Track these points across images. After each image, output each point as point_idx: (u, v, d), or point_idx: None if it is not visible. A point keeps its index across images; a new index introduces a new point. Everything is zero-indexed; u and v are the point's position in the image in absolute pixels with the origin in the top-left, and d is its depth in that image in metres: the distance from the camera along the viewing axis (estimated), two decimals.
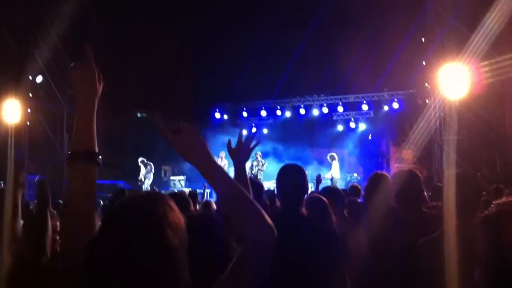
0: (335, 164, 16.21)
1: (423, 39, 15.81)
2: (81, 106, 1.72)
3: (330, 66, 20.01)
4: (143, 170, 16.92)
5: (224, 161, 16.26)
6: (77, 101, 1.74)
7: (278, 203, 4.36)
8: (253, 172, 15.90)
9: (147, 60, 19.59)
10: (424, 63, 16.18)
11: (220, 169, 1.54)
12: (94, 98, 1.75)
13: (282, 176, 3.21)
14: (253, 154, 15.67)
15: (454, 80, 12.37)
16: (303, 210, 3.07)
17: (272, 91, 19.87)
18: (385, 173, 4.45)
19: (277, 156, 19.32)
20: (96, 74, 1.75)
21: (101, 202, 7.97)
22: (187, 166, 18.61)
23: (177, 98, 20.89)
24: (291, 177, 3.15)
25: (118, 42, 19.21)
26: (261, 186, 4.49)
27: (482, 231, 1.59)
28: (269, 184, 17.50)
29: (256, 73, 19.22)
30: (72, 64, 1.74)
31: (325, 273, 2.84)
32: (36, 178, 12.65)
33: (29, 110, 15.75)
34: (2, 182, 11.36)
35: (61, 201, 7.52)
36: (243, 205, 1.48)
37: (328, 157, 16.56)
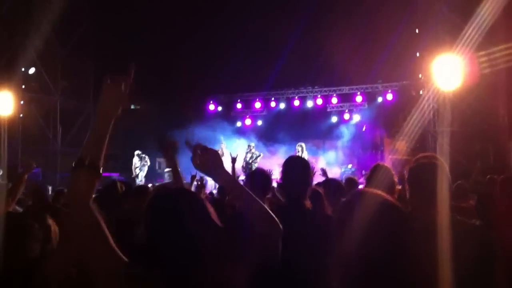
0: (305, 154, 15.93)
1: (417, 30, 15.81)
2: (100, 121, 1.78)
3: (324, 57, 19.98)
4: (137, 163, 16.86)
5: (225, 151, 16.24)
6: (97, 114, 1.79)
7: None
8: (248, 165, 15.88)
9: (141, 52, 19.48)
10: (418, 54, 16.18)
11: (232, 179, 2.10)
12: (113, 117, 1.80)
13: (287, 168, 3.20)
14: (246, 146, 15.61)
15: (448, 71, 12.40)
16: (307, 202, 3.06)
17: (266, 82, 19.84)
18: (386, 164, 4.44)
19: (271, 148, 19.32)
20: (127, 95, 1.85)
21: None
22: (181, 159, 18.63)
23: (171, 90, 20.82)
24: (295, 169, 3.15)
25: (109, 31, 19.07)
26: (269, 178, 4.22)
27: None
28: None
29: (249, 64, 19.15)
30: (109, 77, 1.83)
31: (325, 268, 2.81)
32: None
33: (22, 102, 15.66)
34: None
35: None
36: (251, 205, 1.90)
37: (298, 147, 16.21)
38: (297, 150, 15.99)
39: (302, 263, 2.74)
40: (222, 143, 16.91)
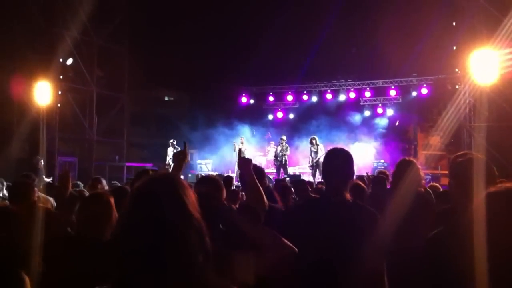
0: (321, 147, 15.54)
1: (453, 23, 15.49)
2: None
3: (357, 50, 19.79)
4: (170, 153, 17.06)
5: (244, 146, 16.29)
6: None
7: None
8: (278, 158, 15.91)
9: (175, 43, 19.69)
10: (454, 47, 15.87)
11: (257, 186, 3.03)
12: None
13: (329, 158, 3.17)
14: (278, 139, 15.50)
15: (485, 66, 12.12)
16: (347, 194, 3.00)
17: (299, 75, 19.78)
18: (413, 159, 4.40)
19: (302, 141, 19.29)
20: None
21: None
22: (213, 150, 18.93)
23: (204, 81, 21.00)
24: (337, 159, 3.10)
25: (144, 22, 19.34)
26: (262, 170, 4.58)
27: None
28: (294, 170, 17.57)
29: (282, 56, 19.15)
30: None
31: (361, 261, 2.74)
32: None
33: (59, 92, 16.07)
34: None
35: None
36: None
37: (315, 141, 15.79)
38: (311, 143, 15.71)
39: (341, 254, 2.71)
40: (241, 138, 16.90)
